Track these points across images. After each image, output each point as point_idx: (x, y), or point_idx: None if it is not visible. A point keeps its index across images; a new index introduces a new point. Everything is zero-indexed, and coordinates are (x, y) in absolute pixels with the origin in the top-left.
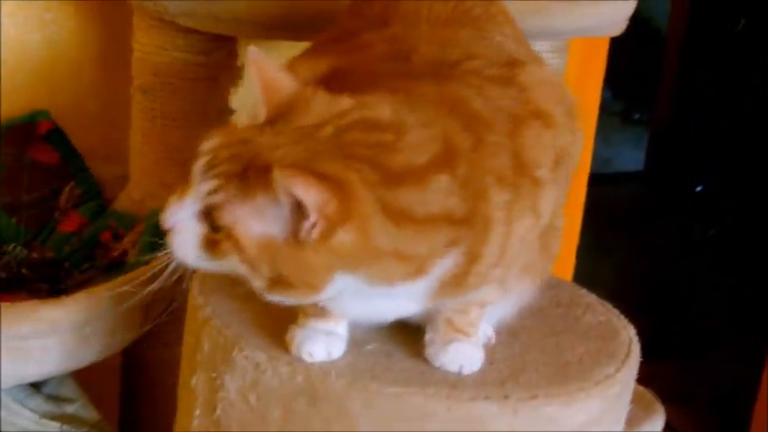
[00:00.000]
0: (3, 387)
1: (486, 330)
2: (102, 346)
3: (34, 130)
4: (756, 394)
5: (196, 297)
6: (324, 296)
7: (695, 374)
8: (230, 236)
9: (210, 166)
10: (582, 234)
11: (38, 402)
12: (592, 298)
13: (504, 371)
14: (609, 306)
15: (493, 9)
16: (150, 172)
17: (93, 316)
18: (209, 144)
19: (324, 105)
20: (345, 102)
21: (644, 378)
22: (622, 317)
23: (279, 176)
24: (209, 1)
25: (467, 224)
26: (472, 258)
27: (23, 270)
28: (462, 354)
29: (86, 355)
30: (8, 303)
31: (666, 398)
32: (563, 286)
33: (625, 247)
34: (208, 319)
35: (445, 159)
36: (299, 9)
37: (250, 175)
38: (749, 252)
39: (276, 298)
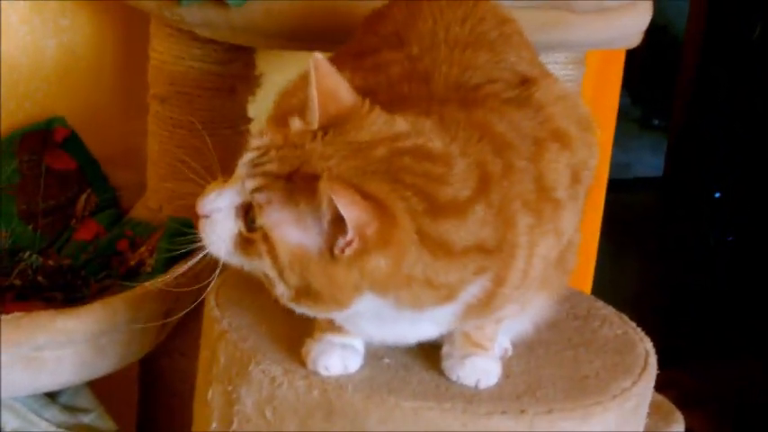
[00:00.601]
0: (17, 397)
1: (502, 343)
2: (119, 356)
3: (51, 137)
4: None
5: (212, 310)
6: (349, 312)
7: (713, 379)
8: (266, 238)
9: (258, 164)
10: (601, 240)
11: (53, 413)
12: (609, 310)
13: (521, 385)
14: (626, 318)
15: (507, 29)
16: (167, 180)
17: (109, 327)
18: (260, 141)
19: (380, 124)
20: (402, 125)
21: (662, 383)
22: (639, 329)
23: (325, 187)
24: (226, 10)
25: (497, 251)
26: (499, 282)
27: (39, 278)
28: (479, 368)
29: (102, 366)
30: (23, 312)
31: (684, 403)
32: (580, 298)
33: (643, 253)
34: (224, 333)
35: (481, 188)
36: (316, 20)
37: (296, 180)
38: (767, 258)
39: (299, 309)
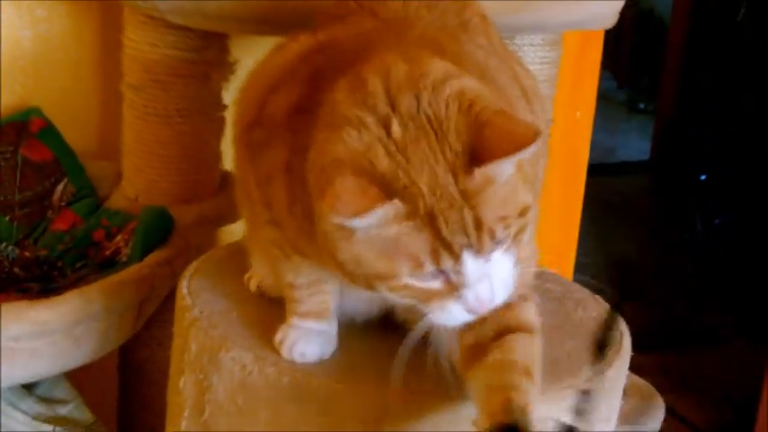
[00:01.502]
0: None
1: None
2: (95, 346)
3: (27, 128)
4: (763, 383)
5: (183, 297)
6: None
7: (702, 364)
8: None
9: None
10: (587, 223)
11: (30, 404)
12: (584, 293)
13: None
14: (601, 301)
15: (467, 14)
16: (142, 169)
17: (84, 316)
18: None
19: None
20: None
21: (651, 368)
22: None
23: None
24: None
25: None
26: None
27: (15, 269)
28: None
29: (78, 356)
30: None
31: (671, 388)
32: (555, 280)
33: (630, 237)
34: (195, 320)
35: None
36: (288, 5)
37: None
38: (754, 241)
39: None
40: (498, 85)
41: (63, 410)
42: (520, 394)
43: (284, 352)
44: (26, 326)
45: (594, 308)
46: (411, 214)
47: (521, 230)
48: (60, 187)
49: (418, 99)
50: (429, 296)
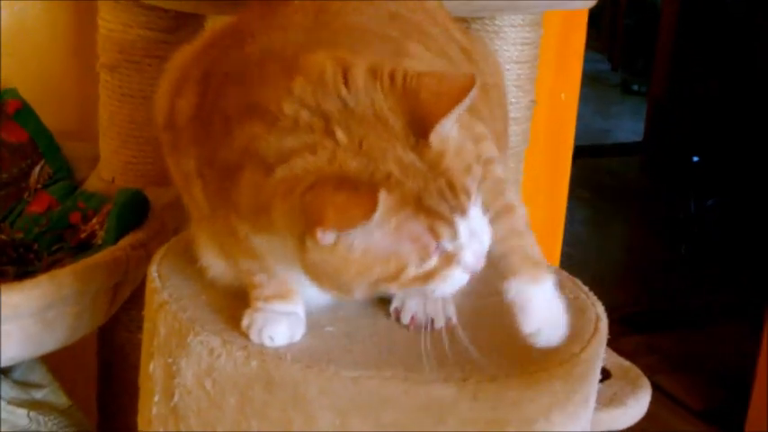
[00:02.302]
0: None
1: (448, 311)
2: (68, 330)
3: (2, 109)
4: (756, 363)
5: (153, 281)
6: None
7: (696, 345)
8: None
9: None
10: (581, 205)
11: (5, 389)
12: (561, 275)
13: (465, 352)
14: (579, 283)
15: None
16: (118, 151)
17: (56, 300)
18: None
19: None
20: None
21: (643, 349)
22: (591, 294)
23: None
24: None
25: None
26: None
27: None
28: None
29: (51, 340)
30: None
31: (664, 369)
32: None
33: (624, 218)
34: (164, 303)
35: None
36: None
37: None
38: (746, 222)
39: None
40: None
41: (38, 395)
42: None
43: (253, 336)
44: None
45: (572, 290)
46: (400, 201)
47: (480, 179)
48: (37, 169)
49: (342, 98)
50: (431, 276)
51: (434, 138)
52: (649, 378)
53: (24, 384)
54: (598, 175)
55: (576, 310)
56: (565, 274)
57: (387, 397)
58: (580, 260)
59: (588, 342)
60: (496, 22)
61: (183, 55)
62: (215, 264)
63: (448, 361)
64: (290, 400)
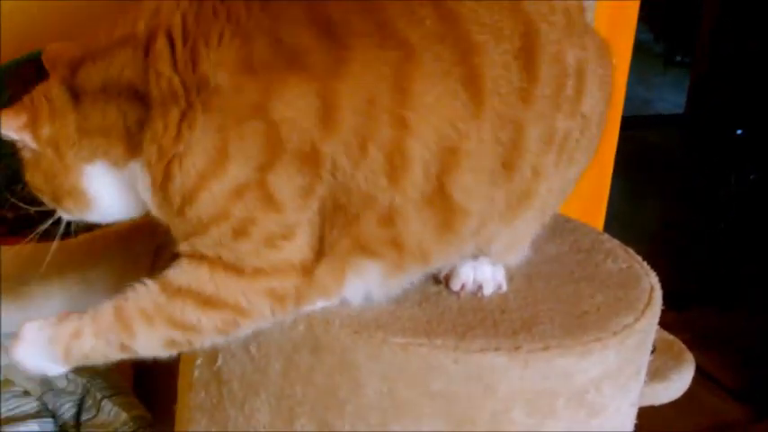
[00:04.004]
0: (6, 333)
1: (496, 277)
2: (110, 292)
3: (43, 68)
4: None
5: None
6: None
7: (732, 322)
8: None
9: None
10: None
11: None
12: (614, 243)
13: (517, 321)
14: (632, 252)
15: None
16: None
17: (100, 260)
18: None
19: None
20: None
21: (682, 325)
22: (645, 264)
23: None
24: None
25: None
26: None
27: (32, 211)
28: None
29: (90, 301)
30: (11, 246)
31: (702, 346)
32: (584, 231)
33: (663, 192)
34: None
35: None
36: None
37: None
38: None
39: None
40: None
41: None
42: None
43: None
44: (39, 269)
45: (625, 259)
46: None
47: None
48: None
49: None
50: None
51: None
52: None
53: None
54: (638, 148)
55: (629, 280)
56: (617, 242)
57: (436, 365)
58: (616, 234)
59: (642, 313)
60: None
61: None
62: None
63: (499, 330)
64: (337, 365)
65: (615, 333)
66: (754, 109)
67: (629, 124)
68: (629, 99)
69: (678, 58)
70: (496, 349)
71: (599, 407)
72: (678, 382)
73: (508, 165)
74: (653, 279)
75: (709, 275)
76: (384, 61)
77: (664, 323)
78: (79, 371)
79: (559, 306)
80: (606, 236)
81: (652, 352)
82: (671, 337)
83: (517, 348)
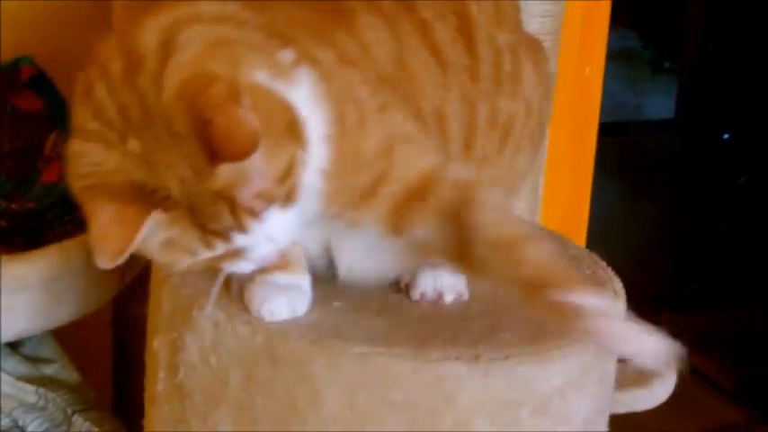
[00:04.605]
0: None
1: (458, 286)
2: (78, 303)
3: (17, 77)
4: None
5: None
6: None
7: (730, 325)
8: None
9: None
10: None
11: (14, 364)
12: (579, 250)
13: (478, 329)
14: (596, 258)
15: None
16: None
17: (64, 271)
18: None
19: None
20: None
21: (678, 328)
22: (609, 269)
23: None
24: None
25: None
26: None
27: (2, 223)
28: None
29: (60, 314)
30: None
31: (701, 348)
32: (549, 238)
33: (657, 196)
34: (167, 277)
35: None
36: None
37: None
38: None
39: None
40: None
41: (48, 370)
42: None
43: (254, 311)
44: (2, 281)
45: (589, 265)
46: (175, 219)
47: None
48: (52, 137)
49: (141, 96)
50: (220, 260)
51: (220, 172)
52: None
53: (34, 360)
54: (630, 153)
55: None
56: (583, 249)
57: (395, 374)
58: (613, 239)
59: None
60: None
61: None
62: None
63: (459, 338)
64: (296, 376)
65: (577, 340)
66: (739, 112)
67: (621, 130)
68: (619, 105)
69: (667, 64)
70: (456, 358)
71: (565, 416)
72: (661, 388)
73: (468, 145)
74: (617, 285)
75: (704, 278)
76: None
77: (660, 326)
78: (50, 386)
79: (521, 314)
80: (572, 242)
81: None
82: None
83: (477, 357)
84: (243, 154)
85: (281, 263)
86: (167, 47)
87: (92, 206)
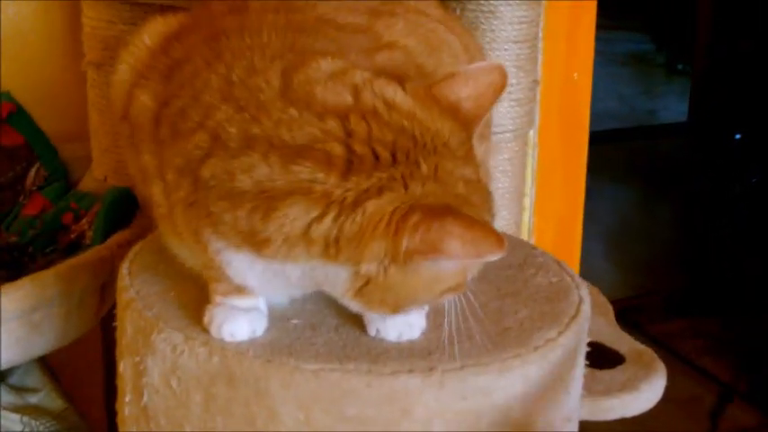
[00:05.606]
0: None
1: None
2: (58, 332)
3: None
4: None
5: (123, 278)
6: None
7: (742, 328)
8: None
9: None
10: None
11: (1, 394)
12: (547, 258)
13: (434, 341)
14: (565, 265)
15: None
16: (109, 150)
17: (41, 302)
18: None
19: None
20: None
21: (689, 331)
22: (578, 277)
23: None
24: None
25: None
26: None
27: None
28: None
29: (40, 343)
30: None
31: (713, 352)
32: (519, 246)
33: (671, 199)
34: (130, 302)
35: None
36: None
37: None
38: None
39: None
40: None
41: (33, 399)
42: None
43: (213, 332)
44: None
45: (556, 272)
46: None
47: None
48: (33, 171)
49: (393, 124)
50: None
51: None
52: (695, 361)
53: (20, 389)
54: (644, 157)
55: (558, 294)
56: (551, 257)
57: (349, 390)
58: (626, 243)
59: (567, 326)
60: (491, 1)
61: (147, 37)
62: (180, 253)
63: (414, 351)
64: (253, 395)
65: (536, 348)
66: (750, 113)
67: (636, 135)
68: (633, 110)
69: (680, 67)
70: (410, 371)
71: (526, 424)
72: (649, 393)
73: None
74: (583, 292)
75: (717, 282)
76: None
77: (673, 329)
78: (34, 414)
79: (480, 324)
80: (540, 250)
81: (621, 363)
82: (641, 346)
83: (431, 369)
84: (489, 103)
85: (237, 287)
86: None
87: (441, 232)
